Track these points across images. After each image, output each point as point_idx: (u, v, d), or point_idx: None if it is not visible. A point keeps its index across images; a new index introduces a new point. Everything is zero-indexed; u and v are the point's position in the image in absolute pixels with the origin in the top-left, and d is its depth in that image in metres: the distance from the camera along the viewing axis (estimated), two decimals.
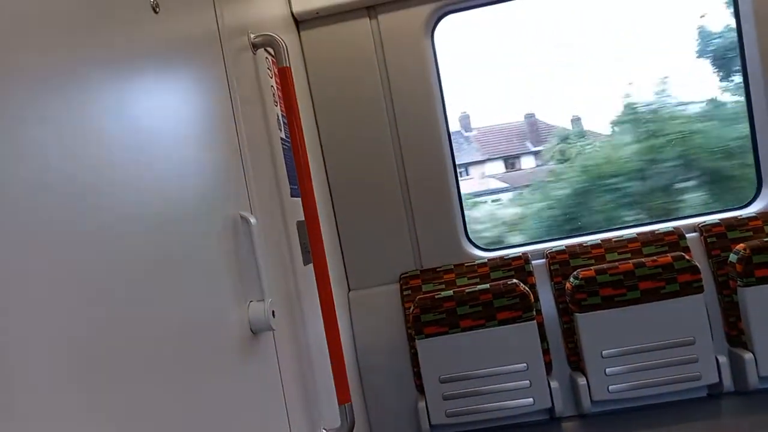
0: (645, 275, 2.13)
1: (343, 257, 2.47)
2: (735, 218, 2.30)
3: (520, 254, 2.38)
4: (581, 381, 2.17)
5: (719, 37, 2.86)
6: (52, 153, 0.68)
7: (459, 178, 2.50)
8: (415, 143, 2.43)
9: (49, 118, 0.68)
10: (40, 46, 0.69)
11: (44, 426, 0.58)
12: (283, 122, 1.79)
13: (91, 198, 0.74)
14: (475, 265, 2.39)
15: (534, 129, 3.64)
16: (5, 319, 0.56)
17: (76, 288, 0.67)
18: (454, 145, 2.50)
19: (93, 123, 0.77)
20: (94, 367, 0.68)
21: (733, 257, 2.15)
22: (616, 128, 3.32)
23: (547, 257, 2.36)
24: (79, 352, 0.65)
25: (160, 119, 0.99)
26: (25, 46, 0.67)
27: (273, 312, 1.24)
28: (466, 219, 2.51)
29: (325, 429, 1.62)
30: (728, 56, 2.68)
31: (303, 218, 1.67)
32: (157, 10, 1.05)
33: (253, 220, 1.26)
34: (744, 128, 2.44)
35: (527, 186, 3.49)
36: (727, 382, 2.13)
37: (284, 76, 1.63)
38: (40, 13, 0.70)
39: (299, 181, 1.63)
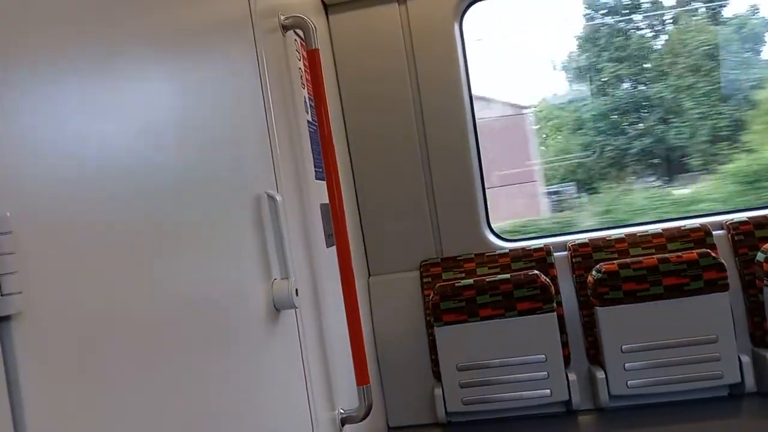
0: (669, 271, 2.10)
1: (364, 242, 2.48)
2: (763, 217, 2.26)
3: (542, 246, 2.37)
4: (600, 375, 2.16)
5: None
6: (86, 133, 0.69)
7: (483, 167, 2.48)
8: (441, 131, 2.42)
9: (84, 98, 0.70)
10: (75, 28, 0.70)
11: (83, 390, 0.60)
12: (310, 105, 1.80)
13: (123, 175, 0.75)
14: (496, 255, 2.39)
15: None
16: (47, 294, 0.58)
17: (106, 263, 0.69)
18: None
19: (123, 101, 0.79)
20: (121, 341, 0.69)
21: (760, 256, 2.11)
22: None
23: (569, 250, 2.35)
24: (108, 327, 0.67)
25: (193, 97, 1.00)
26: (60, 29, 0.68)
27: (296, 290, 1.26)
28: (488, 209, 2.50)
29: (342, 409, 1.64)
30: None
31: (327, 201, 1.68)
32: None
33: (279, 199, 1.27)
34: None
35: None
36: (749, 383, 2.10)
37: (313, 59, 1.64)
38: None
39: (324, 165, 1.63)
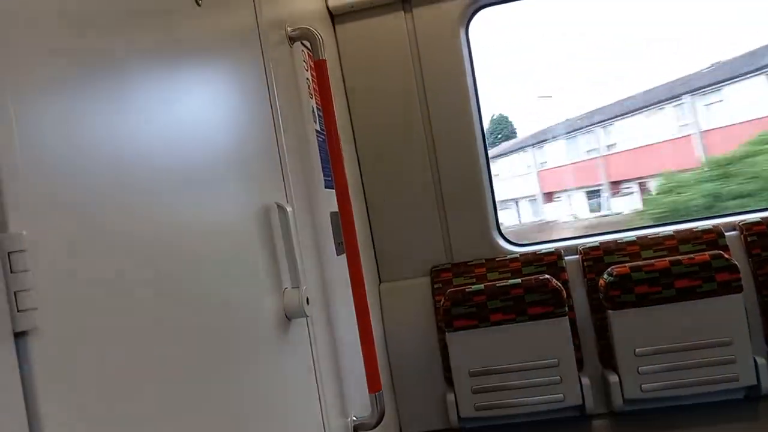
0: (681, 273, 2.09)
1: (374, 249, 2.49)
2: None
3: (553, 250, 2.36)
4: (613, 379, 2.15)
5: None
6: (98, 149, 0.71)
7: (491, 172, 2.49)
8: (448, 137, 2.43)
9: (95, 114, 0.71)
10: (83, 38, 0.72)
11: (101, 399, 0.62)
12: (318, 115, 1.82)
13: (134, 188, 0.77)
14: (506, 259, 2.38)
15: None
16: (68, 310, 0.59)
17: (119, 277, 0.70)
18: None
19: (135, 113, 0.80)
20: (136, 353, 0.71)
21: None
22: None
23: (580, 254, 2.34)
24: (121, 340, 0.68)
25: (201, 110, 1.02)
26: (69, 37, 0.70)
27: (307, 299, 1.27)
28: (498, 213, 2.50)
29: (355, 417, 1.64)
30: None
31: (336, 209, 1.69)
32: (200, 2, 1.08)
33: (289, 209, 1.29)
34: None
35: None
36: (766, 385, 2.08)
37: (320, 69, 1.65)
38: (83, 4, 0.73)
39: (333, 173, 1.65)
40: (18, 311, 0.53)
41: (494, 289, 2.18)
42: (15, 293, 0.53)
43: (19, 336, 0.53)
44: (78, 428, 0.58)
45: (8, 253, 0.53)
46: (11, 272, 0.53)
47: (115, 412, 0.64)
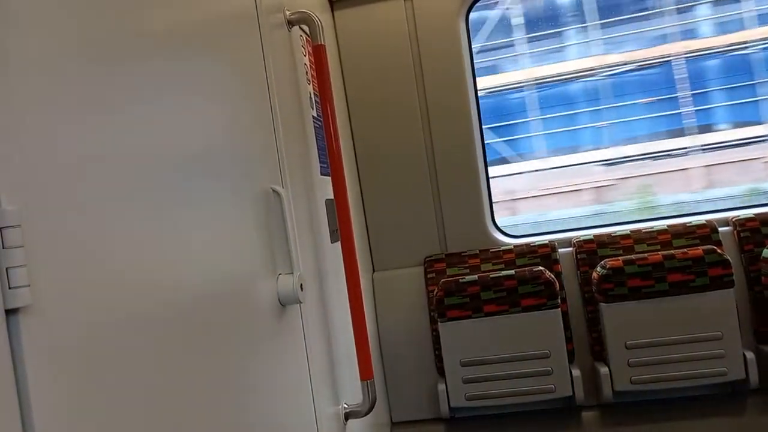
0: (674, 267, 2.10)
1: (368, 238, 2.49)
2: None
3: (547, 242, 2.37)
4: (603, 371, 2.16)
5: None
6: (92, 127, 0.70)
7: (487, 163, 2.48)
8: (445, 127, 2.42)
9: (90, 93, 0.70)
10: (82, 24, 0.71)
11: (91, 380, 0.61)
12: (315, 101, 1.80)
13: (129, 169, 0.76)
14: (500, 251, 2.39)
15: None
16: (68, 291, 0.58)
17: (113, 257, 0.70)
18: None
19: (130, 97, 0.79)
20: (127, 335, 0.70)
21: (766, 252, 2.10)
22: None
23: (574, 246, 2.35)
24: (114, 321, 0.68)
25: (198, 92, 1.01)
26: (66, 23, 0.68)
27: (301, 285, 1.27)
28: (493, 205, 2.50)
29: (346, 404, 1.64)
30: None
31: (332, 197, 1.68)
32: None
33: (284, 194, 1.28)
34: None
35: None
36: (754, 380, 2.10)
37: (318, 54, 1.64)
38: None
39: (329, 160, 1.64)
40: (9, 288, 0.52)
41: (488, 279, 2.18)
42: (7, 269, 0.52)
43: (10, 313, 0.53)
44: (69, 408, 0.58)
45: (1, 228, 0.52)
46: (3, 248, 0.52)
47: (106, 394, 0.64)
